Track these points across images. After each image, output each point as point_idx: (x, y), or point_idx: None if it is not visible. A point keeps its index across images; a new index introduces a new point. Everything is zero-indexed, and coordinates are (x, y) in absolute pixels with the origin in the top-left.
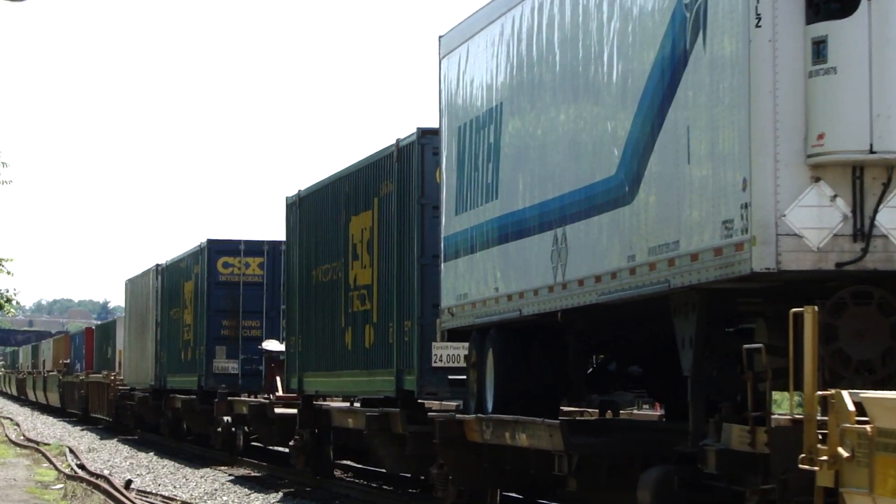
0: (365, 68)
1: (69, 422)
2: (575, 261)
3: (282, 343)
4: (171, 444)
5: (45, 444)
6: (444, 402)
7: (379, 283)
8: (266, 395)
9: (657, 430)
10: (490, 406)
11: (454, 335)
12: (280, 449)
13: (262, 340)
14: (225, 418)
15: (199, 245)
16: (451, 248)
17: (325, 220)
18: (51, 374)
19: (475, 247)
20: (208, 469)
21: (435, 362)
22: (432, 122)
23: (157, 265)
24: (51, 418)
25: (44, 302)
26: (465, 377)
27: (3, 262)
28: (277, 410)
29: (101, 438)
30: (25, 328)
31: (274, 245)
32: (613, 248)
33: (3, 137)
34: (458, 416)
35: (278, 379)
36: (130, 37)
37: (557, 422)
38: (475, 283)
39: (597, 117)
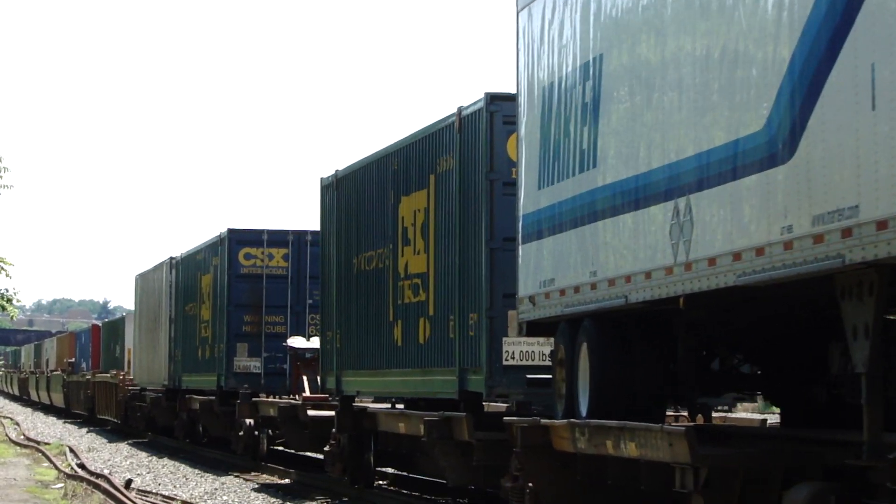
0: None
1: (69, 421)
2: (703, 236)
3: (308, 340)
4: (186, 448)
5: (46, 444)
6: (508, 407)
7: (436, 271)
8: (291, 396)
9: (794, 439)
10: (584, 409)
11: (534, 329)
12: (312, 455)
13: (286, 337)
14: (247, 421)
15: (219, 235)
16: (531, 228)
17: (369, 201)
18: (55, 373)
19: (564, 224)
20: (210, 472)
21: (506, 360)
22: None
23: (171, 258)
24: (51, 418)
25: (44, 302)
26: (548, 376)
27: (4, 264)
28: (311, 413)
29: (102, 439)
30: (25, 328)
31: (299, 235)
32: (761, 218)
33: (4, 139)
34: (543, 421)
35: (305, 379)
36: (132, 30)
37: (682, 428)
38: (564, 267)
39: (738, 59)
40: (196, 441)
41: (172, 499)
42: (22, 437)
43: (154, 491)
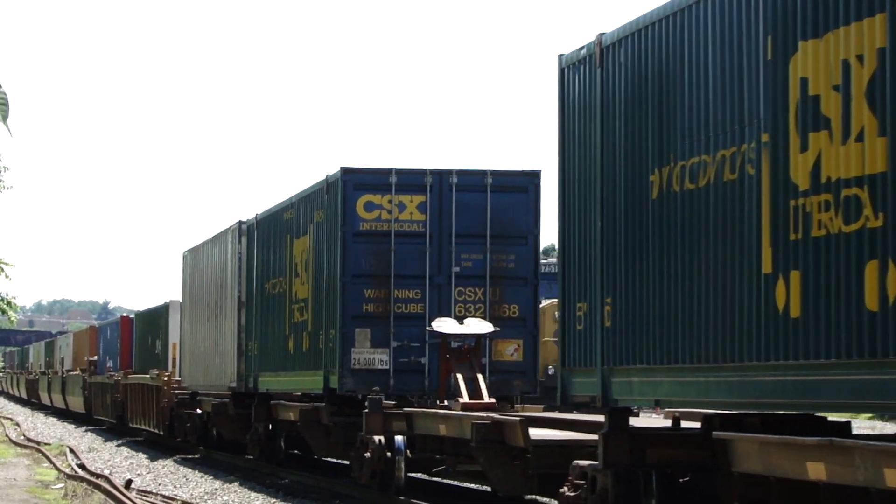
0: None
1: (69, 422)
2: None
3: (462, 322)
4: (264, 472)
5: (46, 444)
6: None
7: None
8: (438, 400)
9: None
10: None
11: None
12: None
13: (423, 319)
14: (377, 439)
15: (325, 179)
16: None
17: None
18: (72, 374)
19: None
20: (209, 468)
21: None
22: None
23: (241, 222)
24: (51, 418)
25: (44, 302)
26: None
27: (4, 266)
28: (536, 433)
29: (102, 439)
30: (25, 328)
31: (441, 176)
32: None
33: (3, 139)
34: None
35: (459, 377)
36: (131, 33)
37: None
38: None
39: None
40: (278, 461)
41: (173, 499)
42: (22, 437)
43: (154, 491)
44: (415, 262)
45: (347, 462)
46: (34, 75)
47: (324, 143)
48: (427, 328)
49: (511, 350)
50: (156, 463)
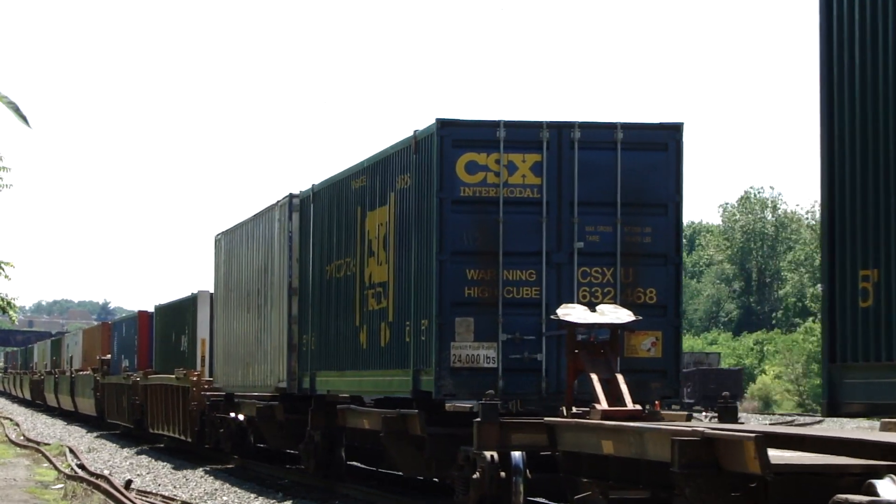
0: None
1: (69, 422)
2: None
3: (595, 310)
4: (319, 486)
5: (45, 445)
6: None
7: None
8: (565, 408)
9: None
10: None
11: None
12: None
13: (538, 305)
14: (488, 455)
15: (413, 136)
16: None
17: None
18: (82, 373)
19: None
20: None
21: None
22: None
23: (293, 195)
24: (51, 418)
25: (43, 303)
26: None
27: (3, 267)
28: (775, 455)
29: (102, 439)
30: (25, 328)
31: (560, 130)
32: None
33: (4, 139)
34: None
35: (594, 378)
36: (130, 37)
37: None
38: None
39: None
40: (337, 475)
41: (172, 499)
42: (22, 437)
43: (154, 491)
44: (528, 237)
45: (437, 480)
46: (34, 76)
47: (294, 158)
48: (551, 317)
49: (647, 344)
50: (156, 463)
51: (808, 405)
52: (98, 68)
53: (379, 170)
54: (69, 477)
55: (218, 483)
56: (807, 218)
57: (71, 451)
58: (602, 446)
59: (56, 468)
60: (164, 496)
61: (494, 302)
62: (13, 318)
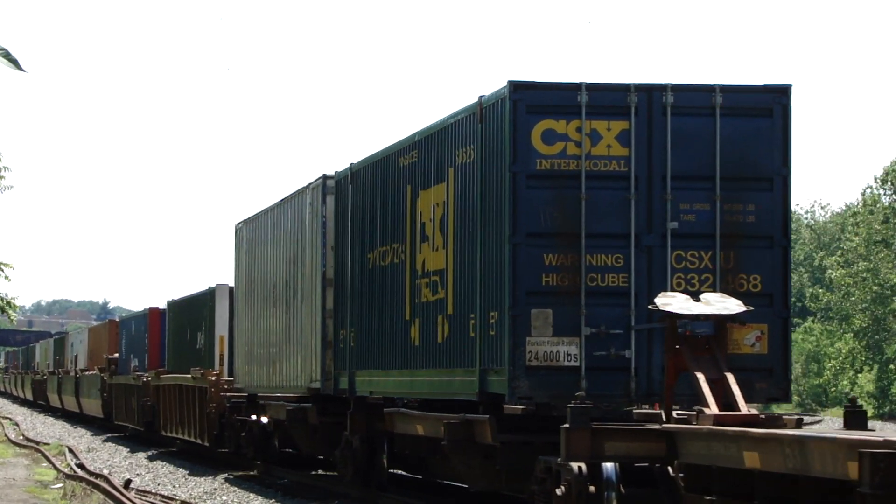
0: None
1: (68, 422)
2: None
3: (699, 299)
4: (360, 497)
5: (45, 444)
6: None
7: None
8: (665, 412)
9: None
10: None
11: None
12: None
13: (626, 293)
14: (576, 467)
15: (478, 102)
16: None
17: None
18: (87, 373)
19: None
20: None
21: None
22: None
23: (326, 176)
24: (51, 418)
25: (43, 302)
26: None
27: (3, 268)
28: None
29: (101, 439)
30: (25, 328)
31: (650, 93)
32: None
33: (4, 139)
34: None
35: (700, 378)
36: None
37: None
38: None
39: None
40: (379, 484)
41: (172, 499)
42: (21, 437)
43: (153, 491)
44: (615, 216)
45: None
46: (35, 76)
47: (326, 139)
48: (649, 307)
49: (751, 339)
50: (155, 463)
51: (807, 405)
52: (99, 68)
53: (434, 143)
54: (68, 476)
55: (217, 483)
56: (806, 217)
57: (70, 450)
58: (744, 459)
59: (55, 468)
60: (163, 496)
61: (576, 291)
62: (12, 318)
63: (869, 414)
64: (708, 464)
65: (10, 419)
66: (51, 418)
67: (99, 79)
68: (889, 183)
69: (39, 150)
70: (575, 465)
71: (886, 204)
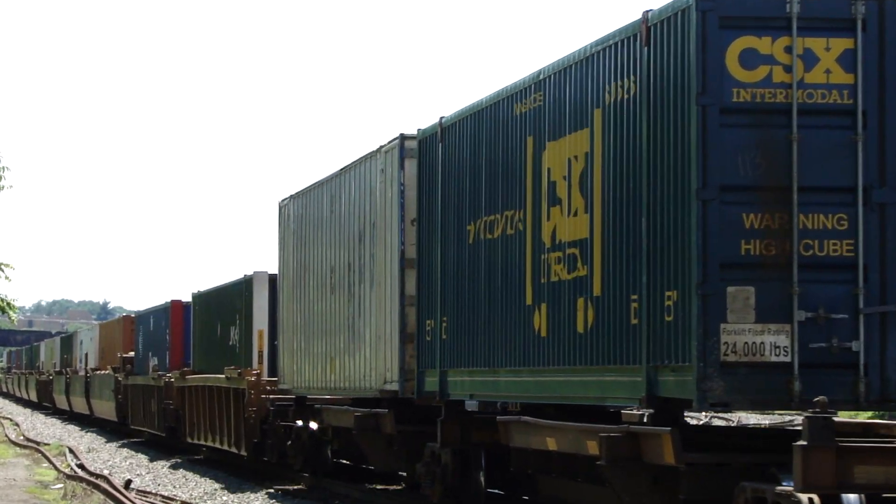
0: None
1: (68, 422)
2: None
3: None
4: None
5: (45, 445)
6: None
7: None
8: None
9: None
10: None
11: None
12: None
13: (856, 266)
14: (806, 498)
15: (643, 18)
16: None
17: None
18: (99, 373)
19: None
20: (207, 468)
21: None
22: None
23: (405, 136)
24: (51, 418)
25: (43, 303)
26: None
27: (3, 268)
28: None
29: (101, 439)
30: (25, 328)
31: (882, 2)
32: None
33: (4, 139)
34: None
35: None
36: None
37: None
38: None
39: None
40: None
41: (172, 499)
42: (21, 437)
43: (154, 491)
44: (836, 164)
45: None
46: (34, 76)
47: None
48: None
49: None
50: (155, 463)
51: None
52: (97, 67)
53: (569, 80)
54: (69, 477)
55: (217, 484)
56: None
57: (70, 451)
58: None
59: (56, 468)
60: (163, 496)
61: (786, 263)
62: (13, 319)
63: None
64: None
65: (11, 419)
66: (59, 422)
67: (99, 79)
68: None
69: (39, 150)
70: (805, 497)
71: None
